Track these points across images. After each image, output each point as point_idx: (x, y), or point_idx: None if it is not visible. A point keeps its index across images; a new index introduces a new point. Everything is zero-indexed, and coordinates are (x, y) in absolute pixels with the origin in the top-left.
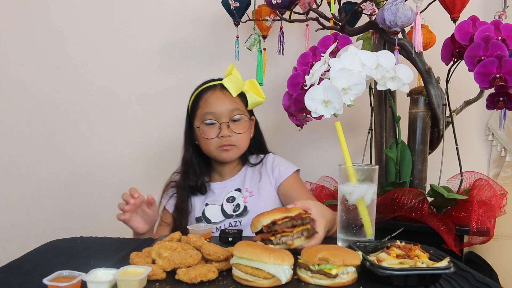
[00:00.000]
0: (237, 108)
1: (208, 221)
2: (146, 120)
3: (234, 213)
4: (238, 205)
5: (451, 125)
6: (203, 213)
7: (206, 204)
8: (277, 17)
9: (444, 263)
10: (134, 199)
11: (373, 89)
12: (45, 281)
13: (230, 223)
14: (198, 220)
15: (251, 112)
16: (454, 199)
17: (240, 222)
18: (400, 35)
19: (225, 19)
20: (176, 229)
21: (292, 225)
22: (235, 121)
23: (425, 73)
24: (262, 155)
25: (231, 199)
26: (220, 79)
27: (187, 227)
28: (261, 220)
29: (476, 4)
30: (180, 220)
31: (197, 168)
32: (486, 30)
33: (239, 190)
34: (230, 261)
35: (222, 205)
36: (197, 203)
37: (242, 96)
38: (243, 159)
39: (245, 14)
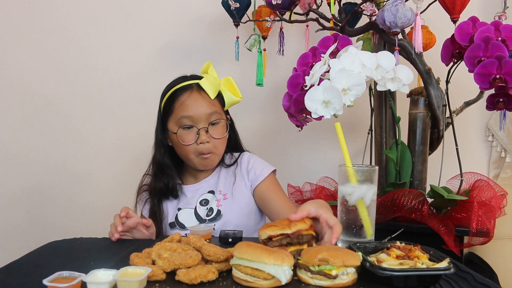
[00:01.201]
0: (216, 111)
1: (182, 226)
2: (146, 121)
3: (207, 218)
4: (211, 209)
5: (451, 126)
6: (176, 218)
7: (179, 209)
8: (277, 18)
9: (444, 264)
10: (121, 226)
11: (373, 90)
12: (45, 282)
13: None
14: (172, 226)
15: (226, 111)
16: (454, 200)
17: (213, 227)
18: (400, 36)
19: (225, 19)
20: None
21: (287, 243)
22: (214, 124)
23: (425, 73)
24: (236, 154)
25: (204, 202)
26: (194, 77)
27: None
28: (260, 233)
29: (476, 4)
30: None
31: (169, 170)
32: (486, 31)
33: (212, 192)
34: (230, 262)
35: (195, 209)
36: (169, 208)
37: (218, 95)
38: None
39: (245, 14)
